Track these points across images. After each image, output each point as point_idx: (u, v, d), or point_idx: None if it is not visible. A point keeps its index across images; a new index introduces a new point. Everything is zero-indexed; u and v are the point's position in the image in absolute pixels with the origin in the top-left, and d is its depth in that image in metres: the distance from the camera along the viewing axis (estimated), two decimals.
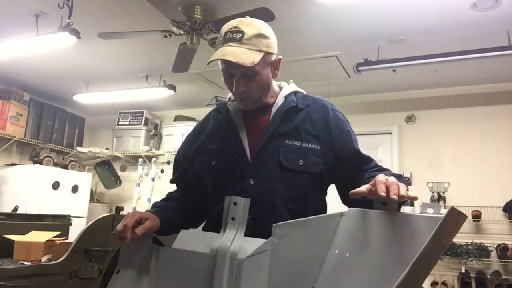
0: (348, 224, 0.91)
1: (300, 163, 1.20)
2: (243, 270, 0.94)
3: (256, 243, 0.97)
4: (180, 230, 1.18)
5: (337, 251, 0.90)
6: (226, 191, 1.18)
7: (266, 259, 0.95)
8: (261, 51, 1.18)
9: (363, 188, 0.92)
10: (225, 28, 1.21)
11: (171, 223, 1.26)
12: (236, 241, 0.99)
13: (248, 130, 1.26)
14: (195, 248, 1.03)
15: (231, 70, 1.19)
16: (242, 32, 1.17)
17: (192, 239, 1.07)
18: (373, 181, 0.91)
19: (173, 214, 1.29)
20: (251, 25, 1.19)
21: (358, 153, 1.27)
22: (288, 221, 0.98)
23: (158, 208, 1.30)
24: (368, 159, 1.27)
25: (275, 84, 1.33)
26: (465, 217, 0.78)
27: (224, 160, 1.24)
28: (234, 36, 1.17)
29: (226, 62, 1.16)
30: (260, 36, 1.19)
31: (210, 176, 1.28)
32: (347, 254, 0.88)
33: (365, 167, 1.23)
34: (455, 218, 0.76)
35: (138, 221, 1.14)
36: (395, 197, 0.83)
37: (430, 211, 0.81)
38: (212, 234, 1.07)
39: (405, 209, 0.87)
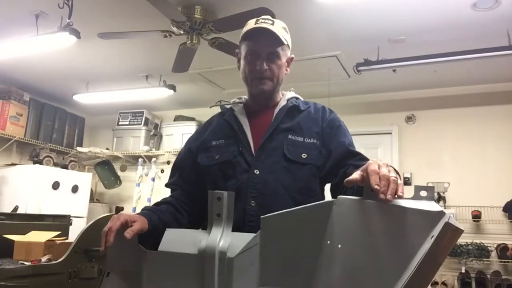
0: (339, 214, 0.87)
1: (304, 156, 1.25)
2: (234, 268, 0.91)
3: (245, 238, 0.94)
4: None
5: (328, 242, 0.87)
6: (231, 182, 1.22)
7: (256, 253, 0.92)
8: (285, 40, 1.30)
9: (357, 175, 0.86)
10: (253, 20, 1.30)
11: (161, 225, 1.18)
12: (224, 239, 0.95)
13: (252, 127, 1.32)
14: (182, 250, 0.99)
15: (259, 49, 1.27)
16: (272, 21, 1.29)
17: (179, 239, 1.03)
18: (365, 167, 0.86)
19: (163, 216, 1.23)
20: (277, 20, 1.31)
21: (345, 146, 1.26)
22: (276, 212, 0.94)
23: (147, 210, 1.25)
24: (356, 154, 1.25)
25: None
26: (462, 231, 0.70)
27: (229, 153, 1.28)
28: (266, 21, 1.28)
29: (256, 41, 1.27)
30: (285, 29, 1.33)
31: (215, 169, 1.29)
32: (339, 246, 0.85)
33: (350, 161, 1.21)
34: (450, 233, 0.69)
35: (124, 223, 1.06)
36: (382, 196, 0.80)
37: (423, 194, 0.78)
38: (199, 232, 1.04)
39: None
